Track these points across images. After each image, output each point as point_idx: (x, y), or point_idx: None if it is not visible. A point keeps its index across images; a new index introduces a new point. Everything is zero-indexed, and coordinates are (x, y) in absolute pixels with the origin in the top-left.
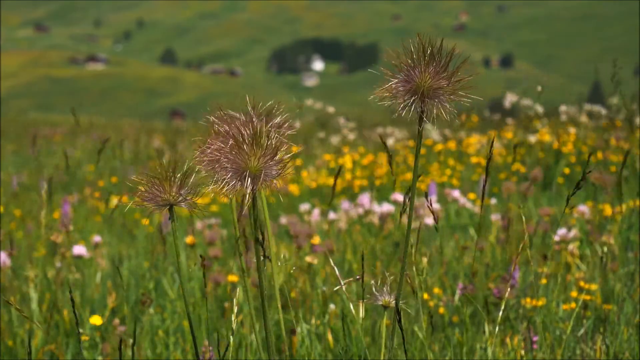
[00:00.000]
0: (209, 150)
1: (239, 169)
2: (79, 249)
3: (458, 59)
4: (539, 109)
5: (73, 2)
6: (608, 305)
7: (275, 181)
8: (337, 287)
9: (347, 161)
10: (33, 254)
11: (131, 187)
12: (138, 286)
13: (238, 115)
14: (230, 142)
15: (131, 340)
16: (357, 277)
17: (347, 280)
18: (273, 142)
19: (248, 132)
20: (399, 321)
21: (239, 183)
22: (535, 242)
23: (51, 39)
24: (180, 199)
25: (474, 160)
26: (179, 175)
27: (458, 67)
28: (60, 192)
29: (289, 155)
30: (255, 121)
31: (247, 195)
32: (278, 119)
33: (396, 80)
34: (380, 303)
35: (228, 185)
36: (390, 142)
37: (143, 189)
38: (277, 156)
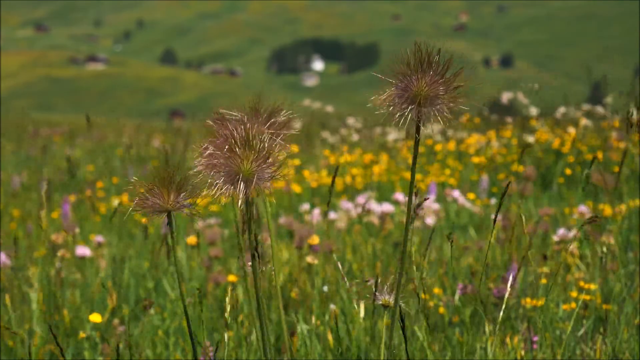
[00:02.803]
0: (205, 154)
1: (231, 173)
2: (82, 250)
3: (458, 63)
4: (534, 110)
5: (73, 2)
6: (608, 305)
7: (268, 184)
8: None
9: (348, 160)
10: (33, 254)
11: (132, 190)
12: (138, 286)
13: (235, 116)
14: (224, 145)
15: (130, 341)
16: (366, 280)
17: (355, 282)
18: (265, 145)
19: (240, 134)
20: (402, 320)
21: (232, 187)
22: (535, 242)
23: (51, 39)
24: (178, 205)
25: (475, 160)
26: (176, 181)
27: (455, 74)
28: (60, 192)
29: (283, 157)
30: (247, 123)
31: (240, 200)
32: (278, 120)
33: (393, 88)
34: (380, 302)
35: (221, 189)
36: (390, 141)
37: (141, 195)
38: (270, 159)
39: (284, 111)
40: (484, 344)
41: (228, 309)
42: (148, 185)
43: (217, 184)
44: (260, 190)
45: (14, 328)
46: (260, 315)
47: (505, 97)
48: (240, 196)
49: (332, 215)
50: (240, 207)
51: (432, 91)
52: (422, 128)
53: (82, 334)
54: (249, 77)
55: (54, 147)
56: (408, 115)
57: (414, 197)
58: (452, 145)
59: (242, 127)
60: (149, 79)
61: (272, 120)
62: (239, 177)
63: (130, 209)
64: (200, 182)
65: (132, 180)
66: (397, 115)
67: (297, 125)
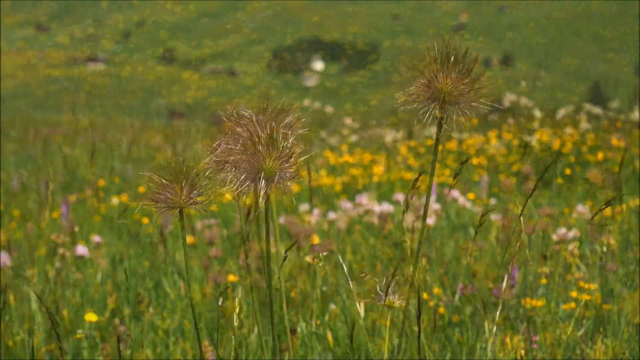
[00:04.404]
0: (219, 150)
1: (253, 170)
2: (81, 250)
3: (477, 65)
4: (538, 112)
5: (73, 2)
6: (608, 305)
7: (288, 183)
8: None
9: (347, 160)
10: (33, 254)
11: (138, 187)
12: (138, 286)
13: (249, 114)
14: (244, 142)
15: (130, 340)
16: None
17: (363, 275)
18: (289, 144)
19: (264, 133)
20: (402, 322)
21: (252, 184)
22: (536, 242)
23: (51, 39)
24: (190, 201)
25: (475, 161)
26: (189, 177)
27: (480, 74)
28: (60, 192)
29: (303, 157)
30: (272, 122)
31: (261, 197)
32: (289, 119)
33: (417, 84)
34: (384, 303)
35: (242, 185)
36: (389, 142)
37: (153, 191)
38: (292, 159)
39: (291, 112)
40: (484, 344)
41: (237, 310)
42: (160, 180)
43: (237, 179)
44: (280, 188)
45: (15, 328)
46: (272, 316)
47: (507, 98)
48: (262, 194)
49: (332, 215)
50: (261, 204)
51: (456, 90)
52: (442, 128)
53: (78, 335)
54: (249, 77)
55: (54, 146)
56: (433, 111)
57: (428, 202)
58: (452, 145)
59: (267, 125)
60: (149, 79)
61: (285, 119)
62: (261, 175)
63: (141, 203)
64: (213, 179)
65: (143, 174)
66: (420, 112)
67: (301, 125)
